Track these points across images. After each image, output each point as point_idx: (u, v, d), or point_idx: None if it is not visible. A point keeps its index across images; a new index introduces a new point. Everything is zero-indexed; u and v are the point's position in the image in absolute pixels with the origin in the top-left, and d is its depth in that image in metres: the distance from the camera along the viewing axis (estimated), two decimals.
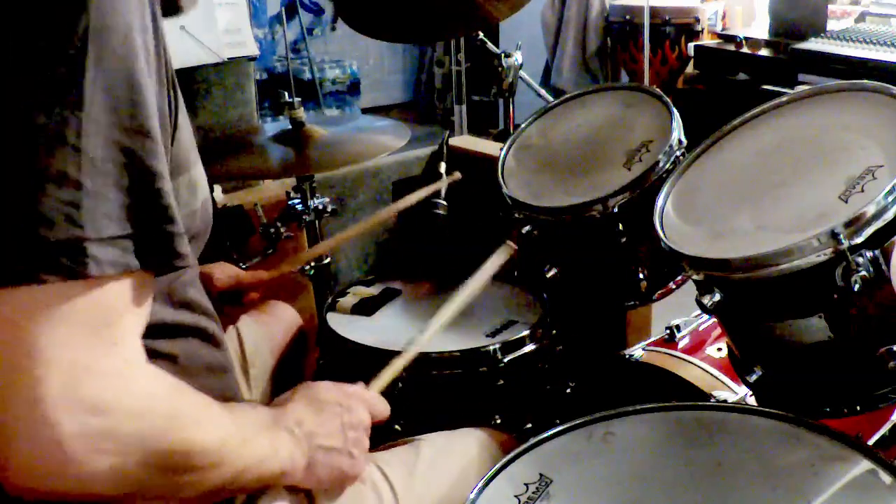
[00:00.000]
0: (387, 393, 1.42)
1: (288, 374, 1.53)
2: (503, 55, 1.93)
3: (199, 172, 0.92)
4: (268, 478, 0.89)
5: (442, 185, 1.77)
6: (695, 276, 1.16)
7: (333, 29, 5.47)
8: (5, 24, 0.67)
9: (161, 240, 0.75)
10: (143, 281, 0.75)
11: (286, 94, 1.72)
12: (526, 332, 1.49)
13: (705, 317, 1.60)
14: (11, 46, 0.67)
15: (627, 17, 4.31)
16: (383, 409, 1.08)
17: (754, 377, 1.18)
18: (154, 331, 0.88)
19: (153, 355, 0.87)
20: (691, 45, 3.92)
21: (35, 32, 0.68)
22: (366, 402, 1.05)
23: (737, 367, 1.27)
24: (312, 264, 1.74)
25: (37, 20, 0.68)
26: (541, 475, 1.03)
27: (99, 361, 0.70)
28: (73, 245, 0.68)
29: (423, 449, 1.20)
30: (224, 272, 1.52)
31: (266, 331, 1.55)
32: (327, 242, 1.74)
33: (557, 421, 1.13)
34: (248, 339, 1.50)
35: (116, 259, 0.71)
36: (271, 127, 1.82)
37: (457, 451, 1.22)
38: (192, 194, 0.90)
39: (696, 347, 1.56)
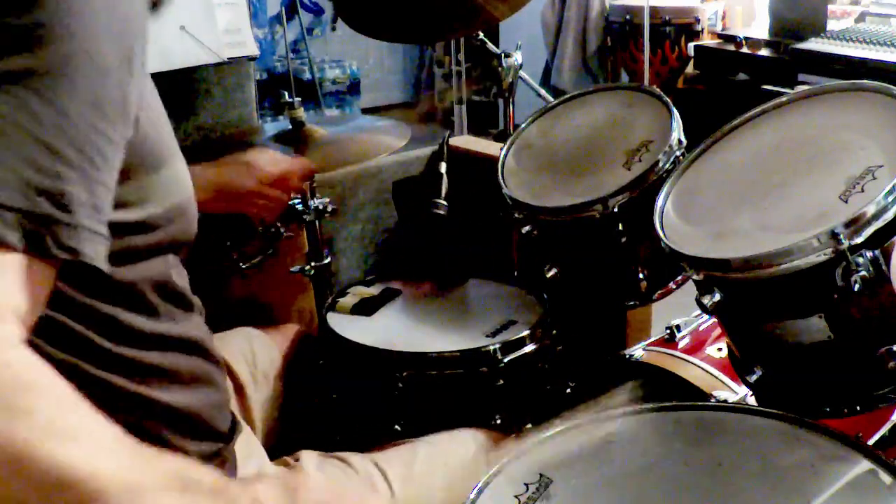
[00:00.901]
0: (387, 393, 1.43)
1: (294, 378, 1.53)
2: (503, 55, 1.93)
3: (179, 170, 0.90)
4: None
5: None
6: (695, 276, 1.16)
7: (333, 29, 5.47)
8: None
9: (49, 228, 0.67)
10: (33, 268, 0.67)
11: (286, 93, 1.72)
12: (526, 332, 1.49)
13: (705, 317, 1.60)
14: None
15: (627, 17, 4.31)
16: None
17: (754, 377, 1.18)
18: (135, 340, 0.87)
19: (136, 365, 0.87)
20: (691, 45, 3.92)
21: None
22: None
23: (737, 367, 1.27)
24: (313, 264, 1.74)
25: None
26: (541, 475, 1.03)
27: None
28: None
29: (421, 449, 1.20)
30: (266, 160, 1.46)
31: (274, 339, 1.55)
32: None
33: (557, 421, 1.13)
34: (256, 342, 1.50)
35: None
36: (271, 127, 1.82)
37: (455, 451, 1.22)
38: (169, 191, 0.87)
39: (696, 347, 1.55)
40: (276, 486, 0.75)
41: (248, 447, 1.09)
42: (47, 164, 0.67)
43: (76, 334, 0.82)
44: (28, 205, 0.66)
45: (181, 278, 0.95)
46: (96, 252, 0.70)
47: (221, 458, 1.00)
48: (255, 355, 1.47)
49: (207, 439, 0.98)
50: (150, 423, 0.89)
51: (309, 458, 1.15)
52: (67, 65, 0.68)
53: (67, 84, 0.68)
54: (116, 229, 0.75)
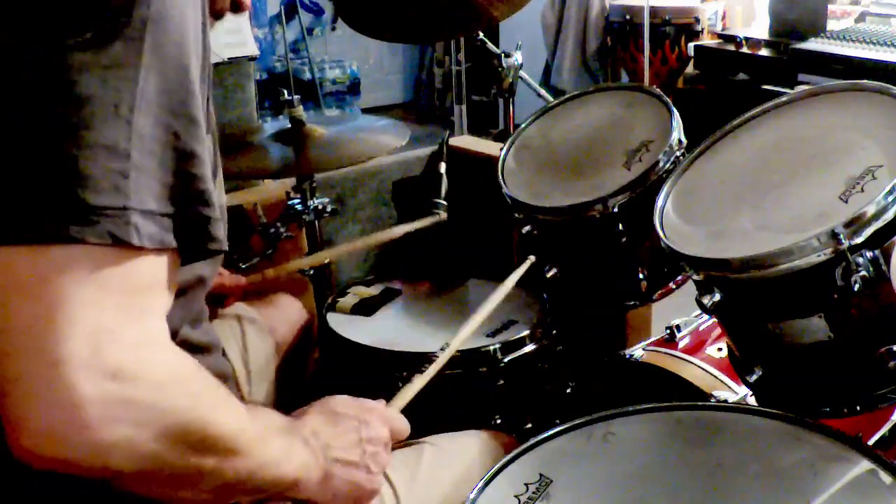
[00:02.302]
0: (387, 393, 1.42)
1: (291, 371, 1.53)
2: (503, 55, 1.93)
3: (220, 180, 0.93)
4: (282, 483, 0.87)
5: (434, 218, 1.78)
6: (695, 276, 1.16)
7: (333, 29, 5.47)
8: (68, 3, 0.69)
9: (198, 222, 0.76)
10: (173, 262, 0.75)
11: (285, 91, 1.72)
12: (526, 332, 1.49)
13: (705, 317, 1.60)
14: (75, 19, 0.69)
15: (627, 17, 4.31)
16: (403, 427, 1.06)
17: (754, 377, 1.18)
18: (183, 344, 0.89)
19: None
20: (691, 45, 3.92)
21: (99, 11, 0.69)
22: (385, 419, 1.03)
23: (737, 367, 1.27)
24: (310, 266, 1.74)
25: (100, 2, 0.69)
26: (541, 475, 1.03)
27: (124, 329, 0.70)
28: (118, 212, 0.69)
29: (425, 451, 1.20)
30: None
31: (269, 325, 1.55)
32: (314, 256, 1.73)
33: (557, 421, 1.13)
34: (250, 333, 1.49)
35: (154, 234, 0.71)
36: (271, 127, 1.82)
37: (459, 453, 1.22)
38: (221, 193, 0.90)
39: (696, 347, 1.55)
40: (320, 414, 0.98)
41: None
42: (191, 170, 0.75)
43: None
44: (184, 208, 0.74)
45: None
46: (225, 236, 0.80)
47: None
48: (248, 354, 1.47)
49: None
50: None
51: None
52: (186, 78, 0.75)
53: (187, 96, 0.75)
54: None
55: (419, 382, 1.17)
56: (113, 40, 0.69)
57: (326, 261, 1.77)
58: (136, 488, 0.74)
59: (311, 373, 1.60)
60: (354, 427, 0.98)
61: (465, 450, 1.24)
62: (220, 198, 0.92)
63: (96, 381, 0.67)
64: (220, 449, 0.77)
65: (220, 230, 0.78)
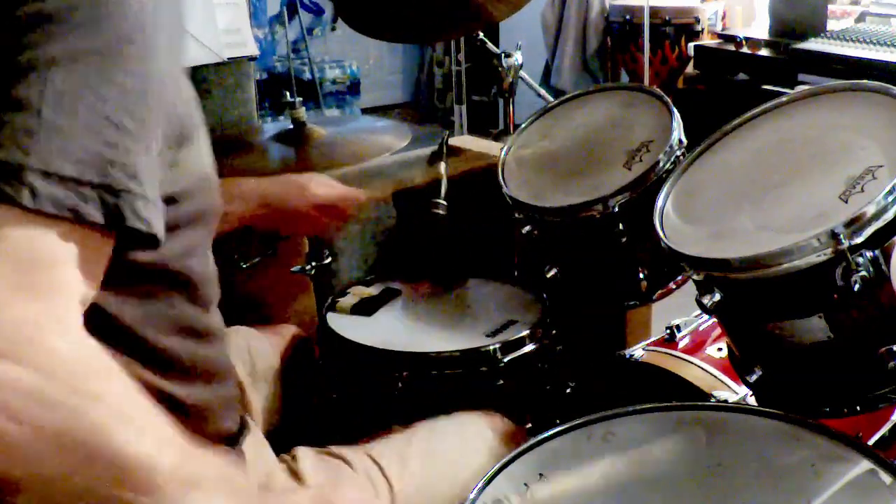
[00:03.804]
0: (387, 393, 1.43)
1: (293, 378, 1.53)
2: (503, 55, 1.93)
3: (203, 142, 0.90)
4: None
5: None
6: (695, 276, 1.16)
7: (333, 29, 5.47)
8: None
9: (124, 199, 0.68)
10: (98, 241, 0.68)
11: (287, 93, 1.72)
12: (526, 332, 1.49)
13: (705, 317, 1.60)
14: None
15: (627, 17, 4.31)
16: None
17: (754, 377, 1.18)
18: (164, 328, 0.87)
19: (156, 355, 0.87)
20: (691, 45, 3.92)
21: None
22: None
23: (737, 367, 1.27)
24: (313, 263, 1.74)
25: None
26: (541, 475, 1.03)
27: (13, 301, 0.62)
28: (11, 168, 0.63)
29: (415, 435, 1.19)
30: (321, 184, 1.45)
31: (271, 340, 1.55)
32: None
33: (557, 421, 1.13)
34: (254, 342, 1.49)
35: (60, 198, 0.64)
36: (271, 127, 1.82)
37: (451, 436, 1.22)
38: (196, 164, 0.87)
39: (696, 347, 1.55)
40: (311, 501, 0.83)
41: (257, 448, 1.08)
42: (117, 139, 0.68)
43: (110, 320, 0.81)
44: (105, 178, 0.67)
45: (210, 263, 0.94)
46: (160, 223, 0.72)
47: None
48: (252, 356, 1.47)
49: (217, 439, 0.98)
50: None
51: (305, 455, 1.14)
52: (126, 42, 0.70)
53: (125, 60, 0.69)
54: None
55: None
56: None
57: (327, 261, 1.77)
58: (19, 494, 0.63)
59: (311, 373, 1.60)
60: None
61: (457, 433, 1.23)
62: (200, 164, 0.89)
63: None
64: (124, 478, 0.63)
65: (151, 213, 0.70)
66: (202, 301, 0.92)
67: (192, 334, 0.91)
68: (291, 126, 1.69)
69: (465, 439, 1.22)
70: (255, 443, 1.08)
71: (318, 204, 1.44)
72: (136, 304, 0.83)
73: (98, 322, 0.74)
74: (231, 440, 1.01)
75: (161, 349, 0.87)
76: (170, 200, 0.83)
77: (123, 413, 0.65)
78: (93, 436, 0.62)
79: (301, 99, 1.70)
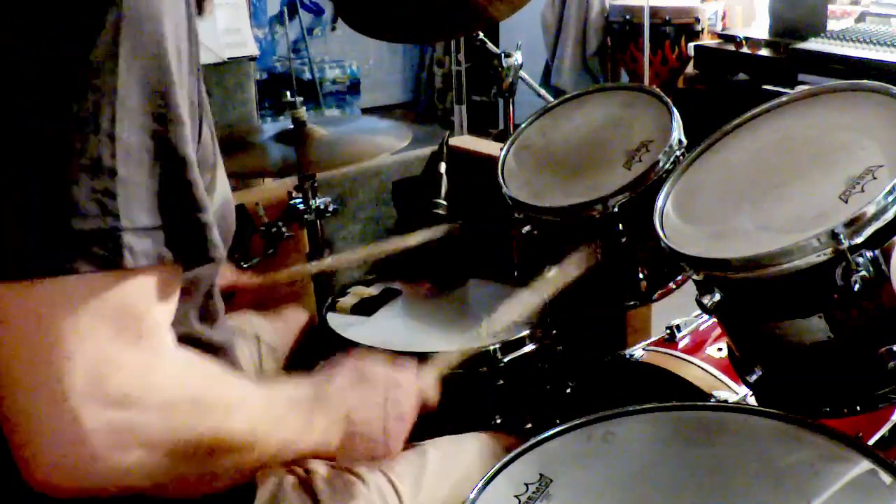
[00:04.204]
0: None
1: (296, 371, 1.53)
2: (503, 55, 1.93)
3: (221, 173, 0.91)
4: (300, 454, 0.90)
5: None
6: (695, 276, 1.16)
7: (333, 29, 5.48)
8: (38, 13, 0.66)
9: (193, 229, 0.73)
10: (173, 272, 0.74)
11: (288, 93, 1.72)
12: (526, 332, 1.49)
13: (705, 317, 1.60)
14: (45, 34, 0.66)
15: (627, 17, 4.31)
16: (433, 398, 1.08)
17: (754, 377, 1.18)
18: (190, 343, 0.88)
19: None
20: (691, 45, 3.92)
21: (69, 20, 0.67)
22: (413, 394, 1.04)
23: (737, 367, 1.27)
24: (313, 264, 1.74)
25: (70, 8, 0.67)
26: (541, 475, 1.03)
27: (124, 355, 0.68)
28: (108, 235, 0.66)
29: (429, 455, 1.19)
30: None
31: (280, 333, 1.55)
32: (323, 262, 1.74)
33: (557, 421, 1.13)
34: (263, 335, 1.50)
35: (149, 250, 0.69)
36: (271, 127, 1.82)
37: (463, 456, 1.22)
38: (219, 190, 0.88)
39: (696, 347, 1.55)
40: (349, 374, 0.98)
41: None
42: (181, 177, 0.72)
43: None
44: (172, 219, 0.71)
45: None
46: (221, 242, 0.77)
47: None
48: (260, 357, 1.47)
49: None
50: None
51: (318, 468, 1.14)
52: (167, 83, 0.71)
53: (169, 98, 0.71)
54: None
55: (456, 355, 1.20)
56: (88, 49, 0.66)
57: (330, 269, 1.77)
58: (162, 494, 0.75)
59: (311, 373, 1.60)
60: (380, 400, 0.98)
61: (469, 454, 1.23)
62: (223, 190, 0.91)
63: (99, 412, 0.67)
64: (234, 449, 0.78)
65: (215, 235, 0.75)
66: (211, 317, 0.94)
67: (200, 348, 0.91)
68: (292, 126, 1.69)
69: (477, 459, 1.22)
70: None
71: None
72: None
73: None
74: None
75: None
76: None
77: (225, 407, 0.78)
78: (212, 435, 0.75)
79: (301, 99, 1.70)
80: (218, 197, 0.90)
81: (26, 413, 0.67)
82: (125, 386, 0.68)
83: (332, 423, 0.92)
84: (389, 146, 1.69)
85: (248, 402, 0.81)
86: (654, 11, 3.99)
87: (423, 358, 1.44)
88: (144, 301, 0.70)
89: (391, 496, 1.10)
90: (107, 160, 0.66)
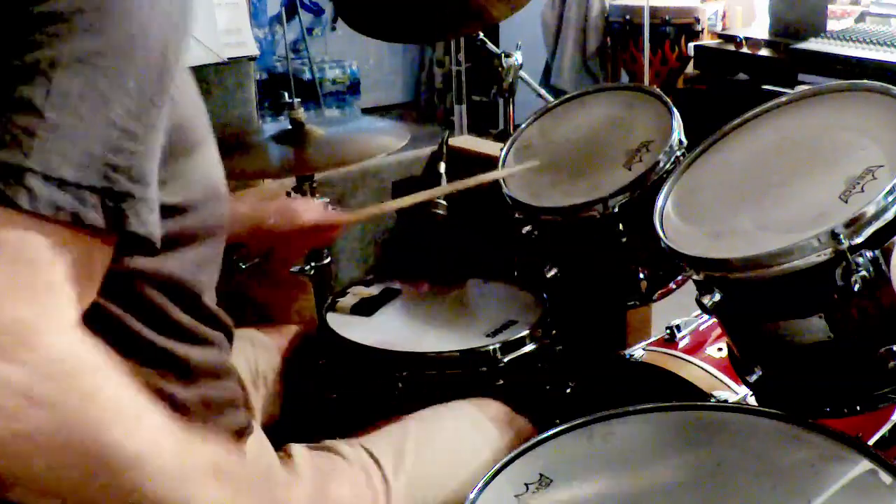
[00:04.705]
0: (387, 393, 1.43)
1: (294, 378, 1.53)
2: (503, 55, 1.93)
3: (212, 153, 0.89)
4: None
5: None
6: (695, 276, 1.16)
7: (333, 29, 5.47)
8: None
9: (126, 204, 0.68)
10: (93, 245, 0.68)
11: (286, 94, 1.72)
12: (526, 332, 1.49)
13: (705, 317, 1.60)
14: None
15: (627, 17, 4.31)
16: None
17: (754, 377, 1.18)
18: (171, 333, 0.87)
19: (159, 358, 0.87)
20: (691, 45, 3.92)
21: None
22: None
23: (737, 367, 1.27)
24: (313, 264, 1.74)
25: None
26: (541, 475, 1.03)
27: (4, 302, 0.62)
28: (11, 169, 0.63)
29: (410, 426, 1.19)
30: (309, 210, 1.44)
31: (275, 340, 1.55)
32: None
33: (557, 421, 1.13)
34: (259, 345, 1.49)
35: (59, 202, 0.64)
36: (271, 127, 1.82)
37: (447, 425, 1.22)
38: (203, 174, 0.87)
39: (696, 347, 1.55)
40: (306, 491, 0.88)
41: (258, 444, 1.09)
42: (120, 143, 0.68)
43: (112, 321, 0.81)
44: (106, 182, 0.67)
45: (212, 273, 0.95)
46: (158, 227, 0.72)
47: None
48: (256, 358, 1.47)
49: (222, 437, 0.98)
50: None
51: (297, 450, 1.14)
52: (131, 44, 0.69)
53: (130, 63, 0.69)
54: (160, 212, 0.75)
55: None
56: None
57: (327, 261, 1.77)
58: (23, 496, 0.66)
59: (312, 373, 1.60)
60: None
61: (453, 422, 1.23)
62: (211, 168, 0.89)
63: None
64: (115, 471, 0.65)
65: (150, 216, 0.70)
66: (207, 312, 0.93)
67: (195, 341, 0.91)
68: (290, 127, 1.69)
69: (461, 428, 1.22)
70: (257, 440, 1.09)
71: (306, 228, 1.45)
72: (142, 311, 0.83)
73: (102, 324, 0.75)
74: (238, 435, 1.01)
75: (165, 353, 0.87)
76: (175, 210, 0.83)
77: (117, 409, 0.66)
78: (86, 433, 0.64)
79: (299, 100, 1.70)
80: (207, 179, 0.88)
81: None
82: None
83: None
84: (389, 146, 1.69)
85: (159, 424, 0.70)
86: (654, 11, 3.98)
87: (422, 358, 1.45)
88: (47, 255, 0.65)
89: (373, 470, 1.10)
90: (38, 100, 0.64)
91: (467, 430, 1.20)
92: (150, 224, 0.71)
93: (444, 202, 1.83)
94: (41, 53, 0.65)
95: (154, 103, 0.72)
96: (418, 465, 1.13)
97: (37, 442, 0.62)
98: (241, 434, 1.03)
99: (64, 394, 0.63)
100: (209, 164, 0.89)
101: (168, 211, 0.81)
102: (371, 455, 1.12)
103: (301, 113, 1.68)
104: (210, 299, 0.95)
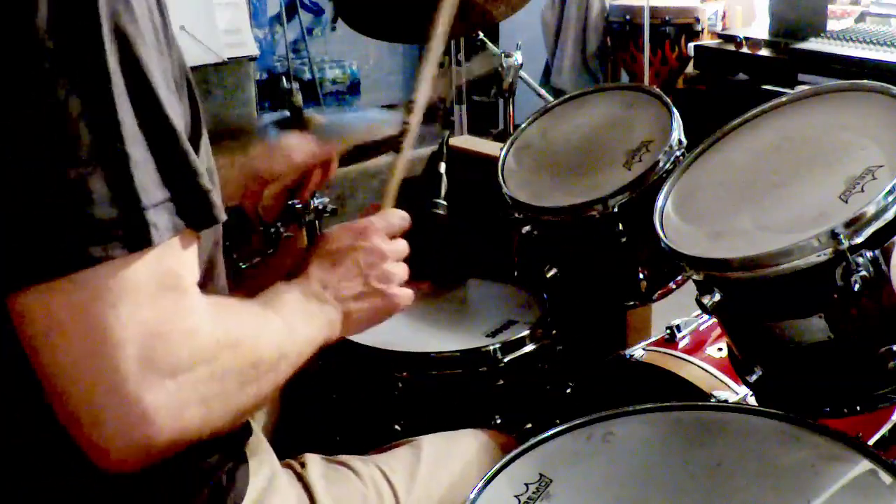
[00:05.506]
0: (387, 393, 1.43)
1: (296, 376, 1.53)
2: (503, 55, 1.93)
3: (207, 139, 0.91)
4: (318, 347, 0.97)
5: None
6: (695, 276, 1.16)
7: (333, 29, 5.47)
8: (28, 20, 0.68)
9: (196, 195, 0.75)
10: (191, 237, 0.76)
11: (284, 79, 1.71)
12: (526, 332, 1.49)
13: (705, 317, 1.60)
14: (41, 36, 0.67)
15: (627, 17, 4.31)
16: (400, 221, 1.14)
17: (754, 377, 1.18)
18: None
19: None
20: (691, 45, 3.92)
21: (58, 23, 0.68)
22: (378, 231, 1.07)
23: (737, 367, 1.27)
24: None
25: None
26: (541, 475, 1.03)
27: (167, 326, 0.71)
28: (132, 216, 0.69)
29: (423, 450, 1.20)
30: (299, 147, 1.43)
31: None
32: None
33: (557, 421, 1.13)
34: None
35: (168, 223, 0.72)
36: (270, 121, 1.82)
37: (457, 452, 1.22)
38: (204, 160, 0.89)
39: (696, 347, 1.55)
40: (318, 261, 1.03)
41: (258, 450, 1.09)
42: (178, 149, 0.74)
43: None
44: (175, 188, 0.73)
45: (222, 278, 1.01)
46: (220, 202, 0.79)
47: (235, 462, 0.99)
48: None
49: (222, 442, 0.98)
50: None
51: (313, 461, 1.15)
52: (148, 71, 0.73)
53: (151, 65, 0.73)
54: None
55: (400, 162, 1.28)
56: (80, 47, 0.68)
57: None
58: (216, 435, 0.78)
59: (312, 374, 1.60)
60: (353, 259, 1.03)
61: (463, 450, 1.24)
62: (208, 162, 0.92)
63: (157, 387, 0.70)
64: (271, 368, 0.84)
65: (217, 196, 0.78)
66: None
67: None
68: (290, 119, 1.69)
69: (471, 454, 1.22)
70: (257, 445, 1.08)
71: (300, 165, 1.44)
72: None
73: None
74: (236, 444, 1.01)
75: None
76: None
77: (255, 337, 0.84)
78: (252, 368, 0.81)
79: (297, 85, 1.69)
80: (206, 163, 0.90)
81: (89, 405, 0.69)
82: (174, 356, 0.71)
83: (330, 309, 0.99)
84: (389, 129, 1.68)
85: (269, 326, 0.88)
86: (654, 11, 3.98)
87: (422, 358, 1.45)
88: (174, 272, 0.73)
89: (385, 488, 1.10)
90: (117, 145, 0.69)
91: (476, 458, 1.21)
92: (217, 204, 0.78)
93: (444, 202, 1.83)
94: (91, 99, 0.69)
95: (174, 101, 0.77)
96: (430, 486, 1.14)
97: (236, 389, 0.79)
98: (243, 438, 1.03)
99: (229, 360, 0.78)
100: (206, 154, 0.91)
101: None
102: (384, 474, 1.12)
103: (299, 98, 1.68)
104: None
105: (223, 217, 0.79)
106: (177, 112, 0.76)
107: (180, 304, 0.73)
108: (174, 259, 0.73)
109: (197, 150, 0.83)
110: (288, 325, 0.91)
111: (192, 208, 0.75)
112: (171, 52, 0.79)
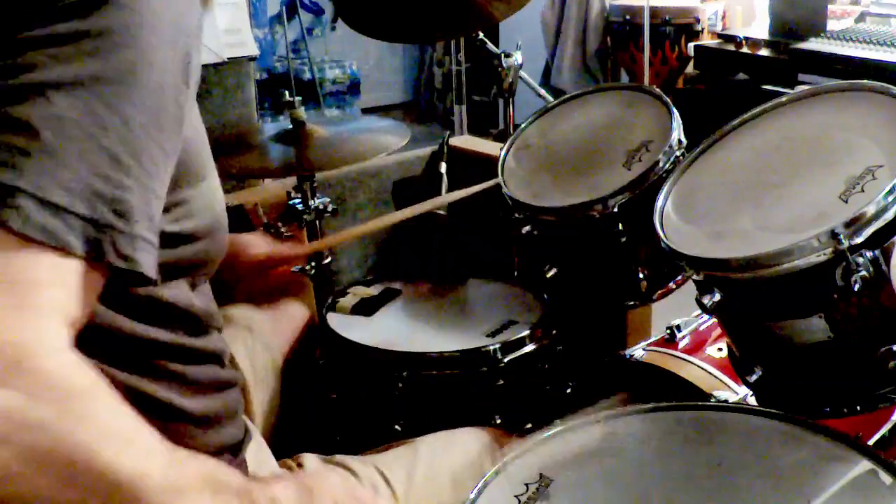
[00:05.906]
0: (387, 393, 1.43)
1: (294, 375, 1.53)
2: (503, 55, 1.93)
3: (216, 184, 0.91)
4: None
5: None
6: (695, 276, 1.16)
7: (333, 29, 5.47)
8: None
9: (106, 236, 0.67)
10: (84, 270, 0.67)
11: (286, 92, 1.72)
12: (526, 332, 1.49)
13: (705, 317, 1.60)
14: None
15: (627, 17, 4.31)
16: None
17: (754, 377, 1.18)
18: (164, 352, 0.88)
19: (160, 373, 0.88)
20: (691, 45, 3.92)
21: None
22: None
23: (737, 367, 1.27)
24: (313, 264, 1.74)
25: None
26: (541, 475, 1.03)
27: (1, 322, 0.62)
28: (3, 189, 0.63)
29: (422, 450, 1.19)
30: (258, 245, 1.45)
31: (275, 330, 1.55)
32: (338, 236, 1.74)
33: (557, 421, 1.13)
34: (257, 340, 1.49)
35: (47, 226, 0.64)
36: (271, 127, 1.82)
37: (456, 451, 1.22)
38: (207, 205, 0.88)
39: (696, 347, 1.55)
40: (294, 488, 0.80)
41: (258, 453, 1.09)
42: (110, 173, 0.67)
43: (112, 342, 0.82)
44: (92, 212, 0.66)
45: (207, 296, 0.97)
46: (149, 262, 0.71)
47: (233, 462, 0.99)
48: (254, 352, 1.47)
49: (222, 446, 0.98)
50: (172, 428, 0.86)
51: (310, 461, 1.15)
52: (132, 73, 0.69)
53: (130, 92, 0.69)
54: (161, 240, 0.75)
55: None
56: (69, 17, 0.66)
57: (327, 261, 1.77)
58: None
59: (312, 374, 1.60)
60: None
61: (462, 449, 1.24)
62: (215, 198, 0.91)
63: None
64: (109, 491, 0.64)
65: (137, 249, 0.69)
66: (204, 332, 0.94)
67: (195, 358, 0.92)
68: (291, 126, 1.69)
69: (470, 454, 1.22)
70: (257, 448, 1.09)
71: (251, 264, 1.45)
72: (144, 328, 0.85)
73: (104, 337, 0.77)
74: (235, 448, 1.01)
75: (167, 368, 0.89)
76: (176, 239, 0.84)
77: (109, 430, 0.65)
78: (79, 455, 0.63)
79: (300, 98, 1.70)
80: (211, 209, 0.89)
81: None
82: None
83: None
84: (389, 146, 1.69)
85: (148, 443, 0.68)
86: (654, 11, 3.98)
87: (423, 358, 1.45)
88: (38, 277, 0.64)
89: (383, 488, 1.10)
90: (35, 120, 0.64)
91: (475, 456, 1.21)
92: (139, 258, 0.70)
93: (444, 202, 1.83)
94: (41, 74, 0.65)
95: (152, 137, 0.71)
96: (428, 488, 1.14)
97: (31, 465, 0.60)
98: (242, 442, 1.03)
99: (58, 417, 0.62)
100: (212, 194, 0.90)
101: (170, 240, 0.82)
102: (382, 475, 1.12)
103: (302, 112, 1.69)
104: (213, 323, 0.96)
105: (146, 274, 0.70)
106: (155, 140, 0.71)
107: (26, 317, 0.62)
108: (45, 268, 0.64)
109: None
110: (178, 485, 0.68)
111: (108, 247, 0.67)
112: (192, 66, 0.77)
